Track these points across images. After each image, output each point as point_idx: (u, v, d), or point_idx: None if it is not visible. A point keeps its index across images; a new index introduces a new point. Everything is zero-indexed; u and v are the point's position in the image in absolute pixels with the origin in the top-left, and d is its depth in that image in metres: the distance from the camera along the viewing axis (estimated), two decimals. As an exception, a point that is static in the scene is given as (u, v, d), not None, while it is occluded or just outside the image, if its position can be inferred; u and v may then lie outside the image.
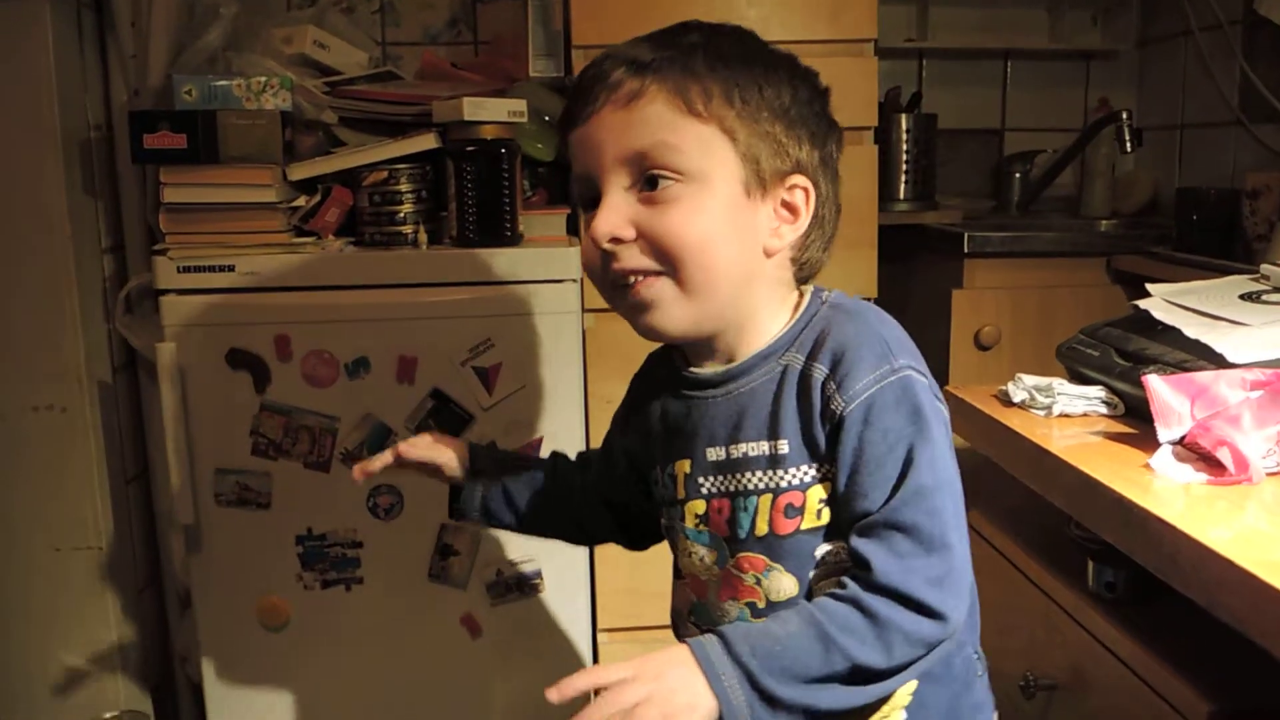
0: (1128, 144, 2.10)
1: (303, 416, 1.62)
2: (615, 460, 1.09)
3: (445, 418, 1.64)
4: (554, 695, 0.79)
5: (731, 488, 0.91)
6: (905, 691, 0.89)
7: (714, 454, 0.92)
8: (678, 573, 0.98)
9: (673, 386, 0.97)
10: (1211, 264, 1.69)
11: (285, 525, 1.65)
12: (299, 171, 1.64)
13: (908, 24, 2.31)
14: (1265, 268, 1.24)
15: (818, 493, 0.88)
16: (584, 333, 1.71)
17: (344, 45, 1.90)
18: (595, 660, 1.80)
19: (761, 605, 0.90)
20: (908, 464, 0.83)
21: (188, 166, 1.57)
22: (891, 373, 0.85)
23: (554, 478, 1.14)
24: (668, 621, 1.91)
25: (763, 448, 0.89)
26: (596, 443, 1.75)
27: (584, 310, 1.70)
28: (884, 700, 0.88)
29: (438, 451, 1.13)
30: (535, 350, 1.65)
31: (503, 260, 1.63)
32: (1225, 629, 0.95)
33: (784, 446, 0.88)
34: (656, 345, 1.02)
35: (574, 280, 1.65)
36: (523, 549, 1.68)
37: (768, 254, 0.90)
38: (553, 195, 1.90)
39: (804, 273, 0.94)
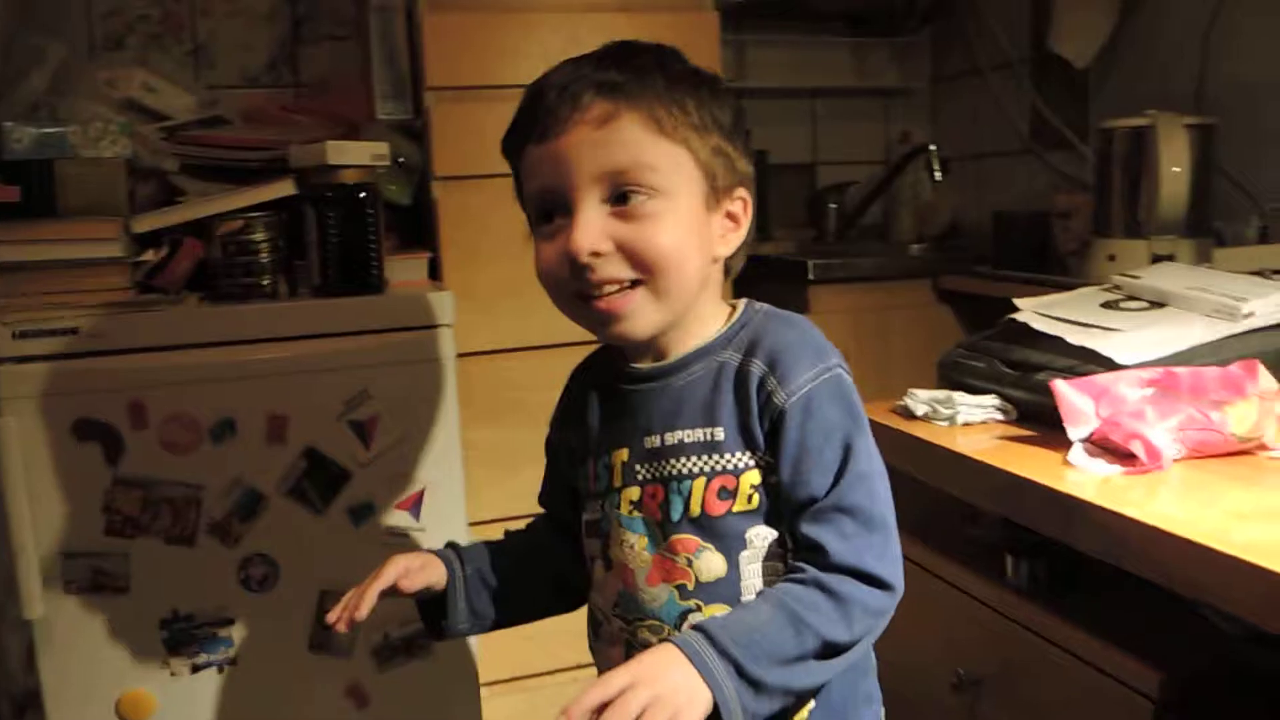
0: (936, 173, 2.26)
1: (163, 488, 1.50)
2: (561, 468, 1.09)
3: (320, 477, 1.55)
4: None
5: (665, 472, 0.95)
6: None
7: (650, 441, 0.96)
8: (607, 565, 1.00)
9: (611, 381, 1.01)
10: (1032, 278, 1.84)
11: (147, 608, 1.51)
12: (145, 223, 1.53)
13: (727, 65, 2.40)
14: (1117, 278, 1.37)
15: (750, 478, 0.93)
16: (452, 379, 1.68)
17: (171, 88, 1.79)
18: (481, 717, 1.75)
19: (691, 587, 0.94)
20: (847, 453, 0.90)
21: (21, 221, 1.43)
22: (826, 370, 0.92)
23: (523, 536, 1.14)
24: (549, 667, 1.89)
25: (699, 434, 0.94)
26: (477, 493, 1.73)
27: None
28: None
29: (428, 575, 1.05)
30: (411, 400, 1.59)
31: (372, 308, 1.58)
32: (1146, 607, 1.05)
33: (720, 433, 0.94)
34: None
35: (447, 325, 1.62)
36: (411, 609, 1.61)
37: (716, 260, 0.97)
38: (404, 239, 1.86)
39: (729, 275, 1.02)
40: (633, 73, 0.91)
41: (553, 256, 0.93)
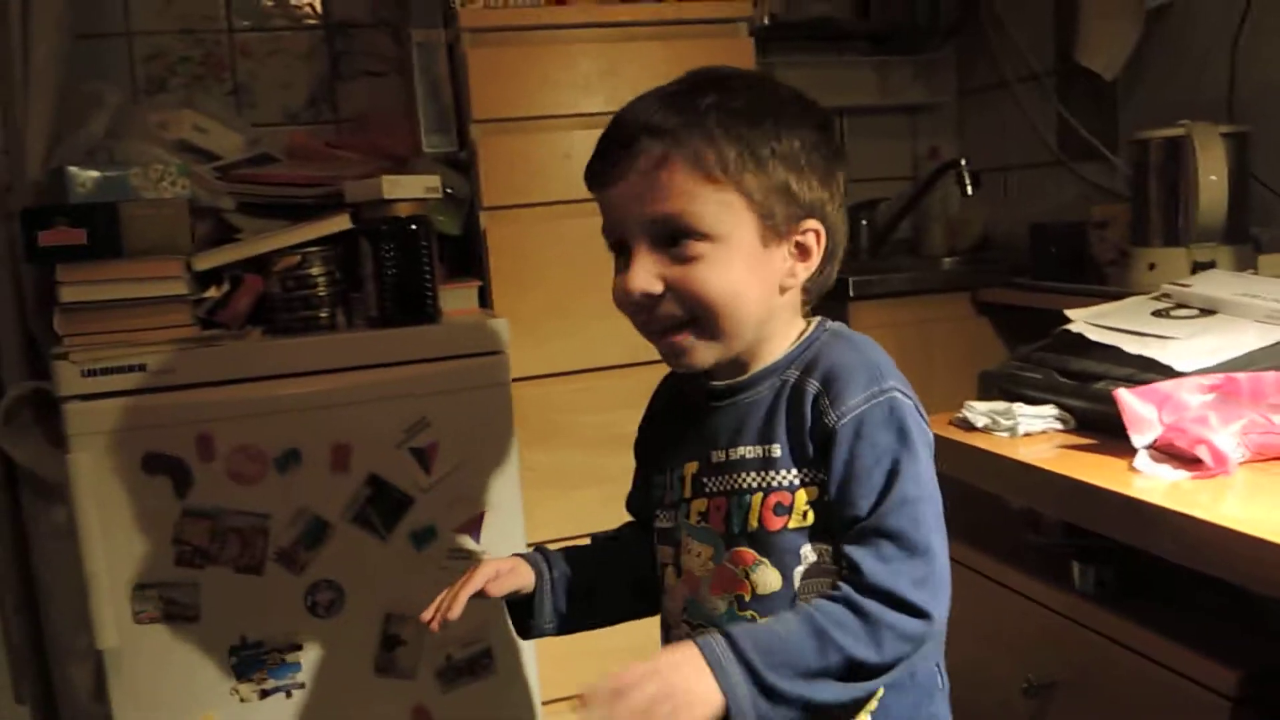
0: (968, 188, 2.29)
1: (230, 518, 1.53)
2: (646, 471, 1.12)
3: (383, 503, 1.59)
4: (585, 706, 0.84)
5: (728, 486, 0.98)
6: (873, 698, 0.95)
7: (716, 456, 0.99)
8: (679, 572, 1.03)
9: (692, 395, 1.04)
10: (1072, 288, 1.85)
11: (216, 636, 1.55)
12: (206, 261, 1.57)
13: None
14: (1166, 287, 1.39)
15: (804, 495, 0.95)
16: (507, 404, 1.71)
17: (220, 128, 1.83)
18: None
19: (748, 598, 0.96)
20: (893, 476, 0.91)
21: (87, 263, 1.47)
22: (880, 393, 0.93)
23: (609, 541, 1.16)
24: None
25: (757, 451, 0.97)
26: (533, 514, 1.76)
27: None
28: (855, 705, 0.94)
29: (517, 579, 1.08)
30: (470, 425, 1.63)
31: (428, 337, 1.61)
32: (1215, 607, 1.06)
33: (776, 450, 0.96)
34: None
35: (502, 352, 1.65)
36: (471, 630, 1.64)
37: (783, 291, 0.97)
38: (453, 268, 1.89)
39: (814, 295, 1.02)
40: (686, 114, 0.92)
41: (617, 292, 0.97)
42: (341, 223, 1.60)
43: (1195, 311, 1.33)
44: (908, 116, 2.61)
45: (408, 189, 1.59)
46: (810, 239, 0.96)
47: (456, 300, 1.76)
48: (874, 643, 0.87)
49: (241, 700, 1.56)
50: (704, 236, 0.92)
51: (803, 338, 1.00)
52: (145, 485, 1.50)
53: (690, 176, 0.91)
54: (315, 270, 1.60)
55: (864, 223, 2.48)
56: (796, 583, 0.95)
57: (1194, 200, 1.62)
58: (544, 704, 1.78)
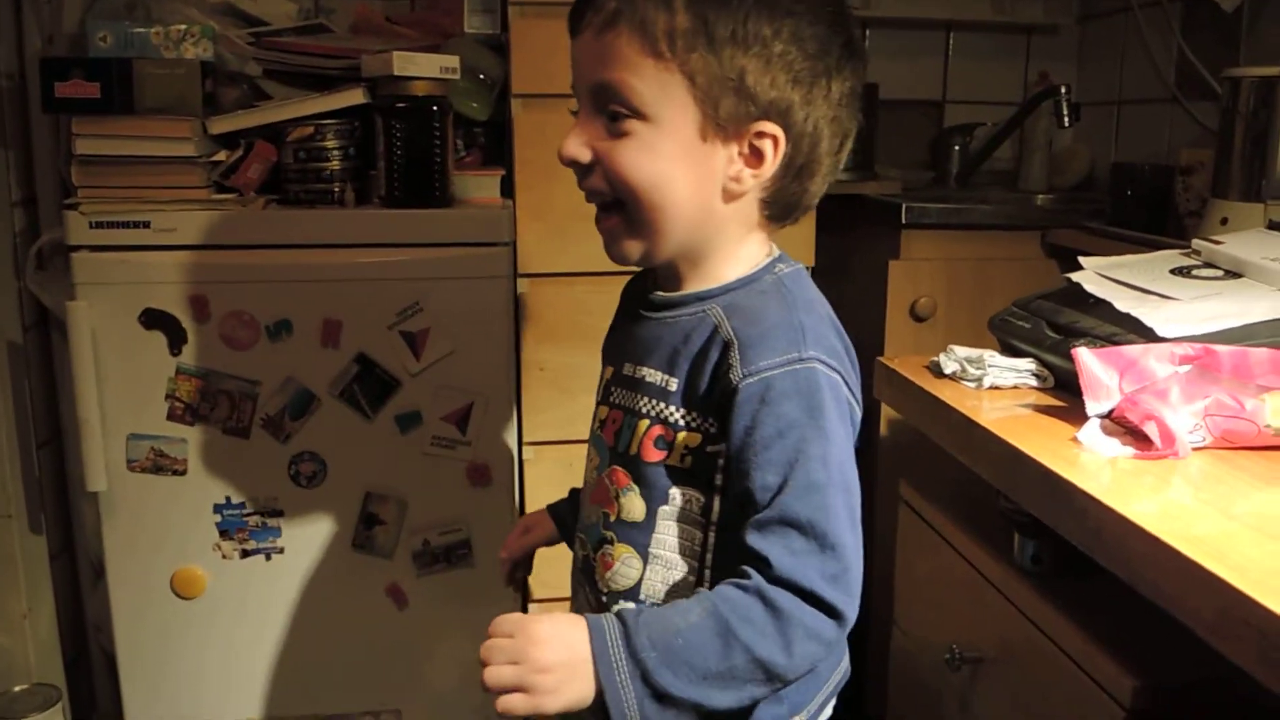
0: (1065, 118, 2.10)
1: (221, 380, 1.57)
2: None
3: (370, 383, 1.59)
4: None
5: (627, 404, 0.94)
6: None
7: (628, 369, 0.95)
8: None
9: (635, 301, 0.99)
10: (1144, 238, 1.69)
11: (202, 493, 1.60)
12: (220, 125, 1.58)
13: (851, -9, 2.28)
14: (1196, 242, 1.24)
15: (686, 439, 0.89)
16: (518, 298, 1.68)
17: (271, -5, 1.82)
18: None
19: (613, 519, 0.93)
20: (799, 456, 0.82)
21: (101, 117, 1.50)
22: (798, 360, 0.85)
23: None
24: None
25: (658, 377, 0.92)
26: (537, 413, 1.74)
27: (517, 275, 1.67)
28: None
29: (541, 533, 1.19)
30: (465, 314, 1.61)
31: (433, 222, 1.59)
32: (1151, 604, 0.95)
33: (673, 384, 0.90)
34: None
35: (506, 244, 1.62)
36: (451, 519, 1.65)
37: (729, 196, 0.89)
38: (487, 156, 1.85)
39: (778, 211, 0.92)
40: None
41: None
42: (354, 97, 1.58)
43: (1220, 273, 1.18)
44: (1022, 37, 2.39)
45: (422, 67, 1.55)
46: (766, 144, 0.86)
47: (478, 188, 1.72)
48: (784, 642, 0.80)
49: (223, 557, 1.62)
50: (636, 113, 0.85)
51: (750, 271, 0.92)
52: (142, 339, 1.54)
53: (633, 44, 0.84)
54: (329, 143, 1.59)
55: (956, 148, 2.32)
56: (658, 521, 0.90)
57: (1276, 150, 1.43)
58: (532, 602, 1.79)
